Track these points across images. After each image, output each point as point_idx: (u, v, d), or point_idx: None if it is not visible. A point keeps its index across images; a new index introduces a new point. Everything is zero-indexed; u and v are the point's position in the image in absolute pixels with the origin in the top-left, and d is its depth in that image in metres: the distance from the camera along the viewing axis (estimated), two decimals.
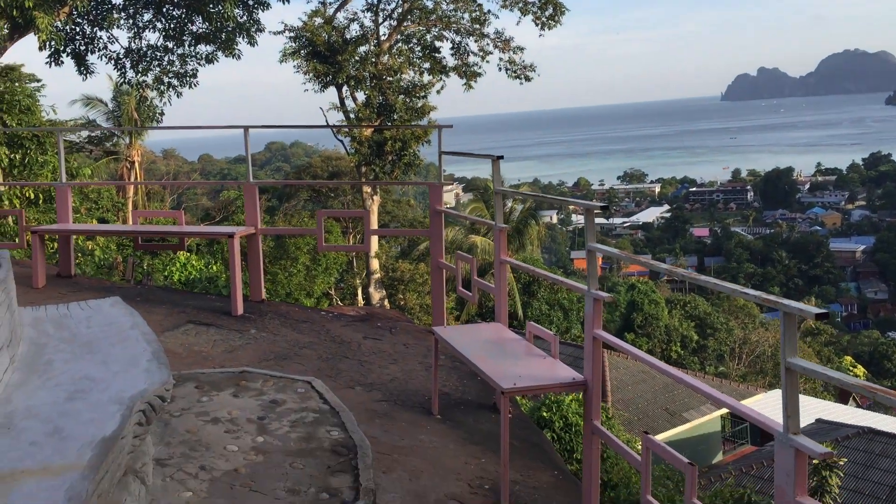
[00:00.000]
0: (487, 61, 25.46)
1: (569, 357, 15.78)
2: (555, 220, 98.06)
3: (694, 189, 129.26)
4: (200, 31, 19.28)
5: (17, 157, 15.43)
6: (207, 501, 3.53)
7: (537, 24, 24.35)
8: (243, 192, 7.80)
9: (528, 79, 25.62)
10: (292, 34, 24.69)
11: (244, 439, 4.18)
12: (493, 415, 5.29)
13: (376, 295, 25.85)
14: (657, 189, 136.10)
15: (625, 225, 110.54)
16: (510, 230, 29.07)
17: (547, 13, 24.18)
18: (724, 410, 25.94)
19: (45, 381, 3.43)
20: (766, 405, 23.49)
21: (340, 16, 25.24)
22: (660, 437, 18.67)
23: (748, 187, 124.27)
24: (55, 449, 2.77)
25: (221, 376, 5.15)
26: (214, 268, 18.63)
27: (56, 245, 9.87)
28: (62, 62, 18.81)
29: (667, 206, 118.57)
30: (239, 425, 4.36)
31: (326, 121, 24.76)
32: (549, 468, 4.86)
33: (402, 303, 26.61)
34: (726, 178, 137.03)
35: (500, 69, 25.51)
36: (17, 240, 10.43)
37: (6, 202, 14.86)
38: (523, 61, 25.52)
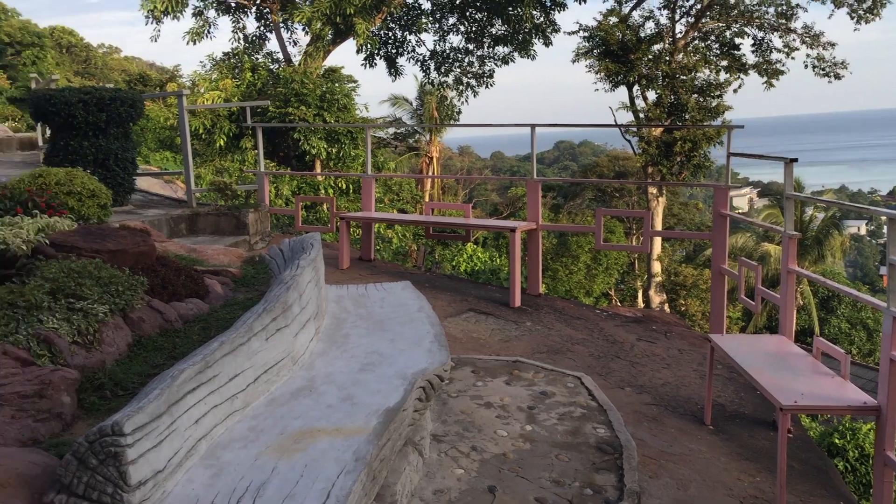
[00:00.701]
0: (792, 58, 23.78)
1: (870, 383, 14.31)
2: (863, 232, 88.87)
3: None
4: (499, 33, 20.12)
5: (334, 150, 17.16)
6: (477, 481, 3.72)
7: (852, 18, 22.29)
8: (527, 189, 8.04)
9: (837, 77, 23.55)
10: (586, 34, 24.82)
11: (513, 426, 4.35)
12: (770, 432, 4.99)
13: (656, 298, 25.25)
14: None
15: None
16: (803, 238, 26.85)
17: (865, 5, 22.06)
18: None
19: (342, 352, 3.82)
20: None
21: (636, 14, 24.93)
22: None
23: None
24: (346, 413, 3.08)
25: (496, 364, 5.39)
26: (498, 260, 19.34)
27: (361, 231, 10.86)
28: (375, 64, 20.64)
29: None
30: (509, 412, 4.54)
31: (615, 120, 24.61)
32: (833, 497, 4.49)
33: (682, 308, 25.74)
34: None
35: (806, 66, 23.70)
36: (328, 225, 11.62)
37: (322, 191, 16.57)
38: (834, 58, 23.50)
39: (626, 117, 25.16)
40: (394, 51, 21.02)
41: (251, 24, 30.05)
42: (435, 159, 32.18)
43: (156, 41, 18.50)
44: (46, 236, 4.55)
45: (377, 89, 34.95)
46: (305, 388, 3.35)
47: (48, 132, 9.50)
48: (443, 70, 21.44)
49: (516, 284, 7.35)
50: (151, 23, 17.23)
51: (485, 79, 21.57)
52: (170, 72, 31.48)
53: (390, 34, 20.81)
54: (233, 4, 19.56)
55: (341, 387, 3.35)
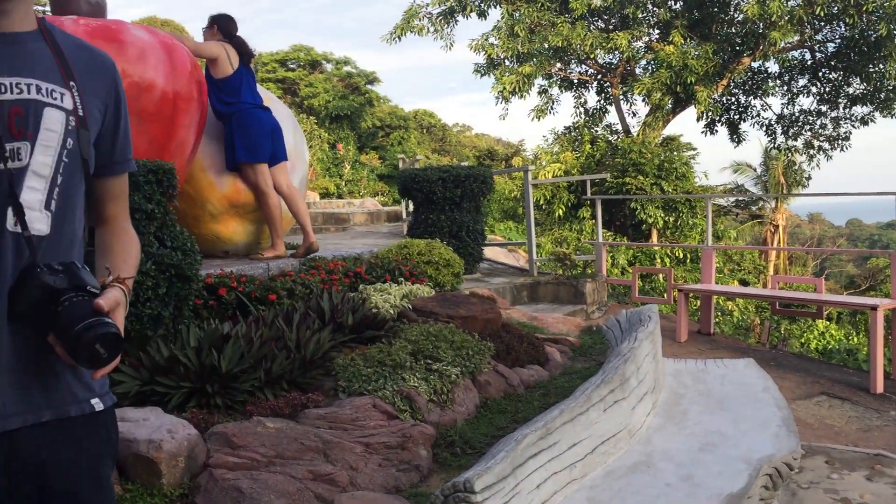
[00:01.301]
0: None
1: None
2: None
3: None
4: (857, 92, 18.57)
5: (671, 219, 16.94)
6: None
7: None
8: (891, 262, 7.26)
9: None
10: None
11: None
12: None
13: None
14: None
15: None
16: None
17: None
18: None
19: (680, 429, 3.74)
20: None
21: None
22: None
23: None
24: (686, 494, 3.01)
25: (854, 455, 4.89)
26: (855, 339, 17.49)
27: (699, 303, 10.53)
28: (716, 131, 20.11)
29: None
30: None
31: None
32: None
33: None
34: None
35: None
36: (665, 295, 11.45)
37: (658, 260, 16.39)
38: None
39: None
40: (736, 116, 20.32)
41: (592, 98, 31.02)
42: (781, 228, 30.18)
43: (503, 119, 19.86)
44: (409, 302, 5.08)
45: (717, 156, 33.97)
46: (642, 462, 3.33)
47: (410, 206, 10.59)
48: (791, 134, 20.25)
49: (878, 368, 6.62)
50: (501, 103, 18.52)
51: (840, 141, 19.95)
52: (514, 146, 33.53)
53: (733, 100, 20.19)
54: (575, 81, 20.38)
55: (680, 465, 3.28)
